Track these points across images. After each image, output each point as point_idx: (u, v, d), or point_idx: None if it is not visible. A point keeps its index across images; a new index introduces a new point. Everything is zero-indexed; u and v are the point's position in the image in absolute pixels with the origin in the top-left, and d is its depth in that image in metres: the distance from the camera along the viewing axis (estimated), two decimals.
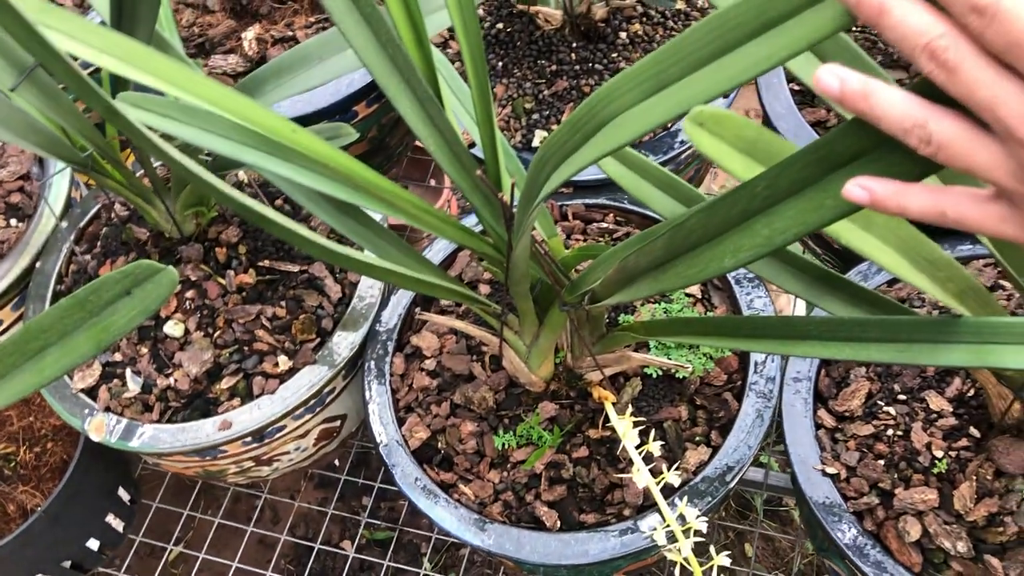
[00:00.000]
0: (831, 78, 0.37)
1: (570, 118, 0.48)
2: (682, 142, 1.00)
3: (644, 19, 1.04)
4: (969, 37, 0.34)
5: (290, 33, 1.12)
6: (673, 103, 0.42)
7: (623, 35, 1.02)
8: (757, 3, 0.38)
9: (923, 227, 0.47)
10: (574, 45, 1.01)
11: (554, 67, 1.01)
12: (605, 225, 0.97)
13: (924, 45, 0.34)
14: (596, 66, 1.00)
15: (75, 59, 0.54)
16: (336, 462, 1.37)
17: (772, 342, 0.61)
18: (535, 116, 1.00)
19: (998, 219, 0.38)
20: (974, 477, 0.75)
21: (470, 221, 0.95)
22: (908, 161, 0.38)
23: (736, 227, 0.46)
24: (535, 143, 0.99)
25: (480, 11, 1.07)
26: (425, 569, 1.35)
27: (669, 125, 1.00)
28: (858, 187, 0.39)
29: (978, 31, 0.33)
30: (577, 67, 1.00)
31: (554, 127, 1.00)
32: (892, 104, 0.36)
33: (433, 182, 1.49)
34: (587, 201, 0.98)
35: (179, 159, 0.54)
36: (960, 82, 0.34)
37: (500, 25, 1.05)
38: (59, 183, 1.08)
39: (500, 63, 1.03)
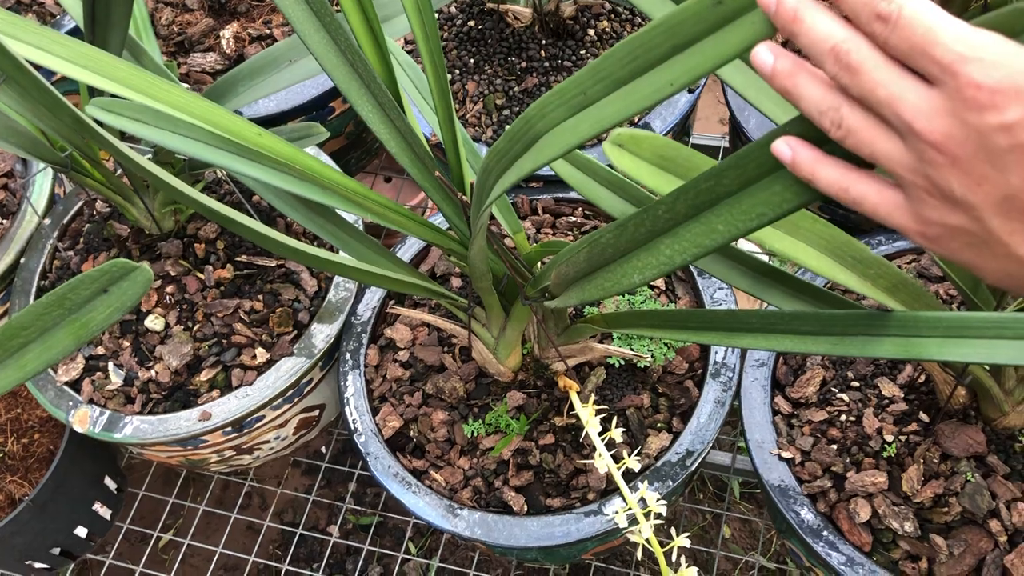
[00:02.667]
0: (766, 54, 0.39)
1: (509, 130, 0.50)
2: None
3: (612, 16, 1.06)
4: (874, 43, 0.37)
5: (267, 31, 1.15)
6: (595, 120, 0.44)
7: (591, 32, 1.05)
8: (669, 27, 0.41)
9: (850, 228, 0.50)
10: (543, 42, 1.03)
11: (524, 64, 1.03)
12: (574, 219, 1.00)
13: (830, 48, 0.37)
14: (565, 63, 1.03)
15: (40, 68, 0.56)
16: (322, 449, 1.40)
17: (718, 334, 0.63)
18: (505, 112, 1.03)
19: (893, 206, 0.41)
20: (921, 460, 0.78)
21: (440, 218, 0.97)
22: (779, 196, 0.41)
23: (643, 246, 0.49)
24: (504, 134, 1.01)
25: (452, 8, 1.10)
26: (409, 553, 1.38)
27: (637, 119, 1.03)
28: (785, 144, 0.42)
29: (882, 37, 0.36)
30: (547, 64, 1.03)
31: None
32: (813, 88, 0.39)
33: None
34: (557, 195, 1.01)
35: (146, 166, 0.57)
36: (863, 82, 0.37)
37: (472, 23, 1.07)
38: (42, 181, 1.11)
39: (471, 60, 1.06)
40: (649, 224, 0.49)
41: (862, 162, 0.41)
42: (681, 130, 1.12)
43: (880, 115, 0.38)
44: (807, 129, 0.42)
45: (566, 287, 0.63)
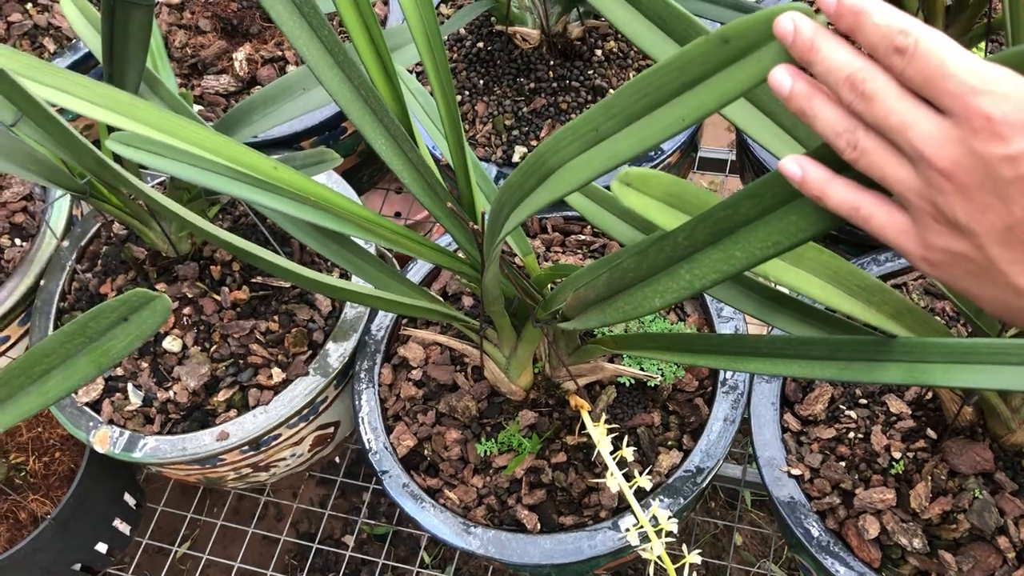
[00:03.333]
0: (784, 77, 0.40)
1: (523, 165, 0.52)
2: (658, 153, 1.04)
3: (619, 37, 1.07)
4: (891, 75, 0.38)
5: (279, 53, 1.16)
6: (608, 155, 0.46)
7: (599, 52, 1.06)
8: (678, 65, 0.42)
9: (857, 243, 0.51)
10: (551, 63, 1.05)
11: (532, 84, 1.05)
12: (583, 237, 1.01)
13: (846, 77, 0.39)
14: (573, 83, 1.04)
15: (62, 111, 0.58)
16: (336, 460, 1.42)
17: (724, 358, 0.64)
18: (515, 132, 1.04)
19: (899, 229, 0.42)
20: (929, 477, 0.79)
21: (449, 237, 0.98)
22: (794, 225, 0.42)
23: (663, 271, 0.50)
24: (515, 159, 1.03)
25: (461, 30, 1.11)
26: (424, 563, 1.39)
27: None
28: (795, 163, 0.43)
29: (899, 69, 0.38)
30: (555, 84, 1.04)
31: (534, 143, 1.04)
32: (829, 110, 0.40)
33: None
34: (566, 214, 1.02)
35: (163, 202, 0.58)
36: (877, 109, 0.38)
37: (481, 44, 1.09)
38: (61, 204, 1.13)
39: (481, 81, 1.07)
40: (669, 250, 0.50)
41: (872, 184, 0.42)
42: (689, 146, 1.14)
43: (893, 141, 0.39)
44: (818, 154, 0.43)
45: (583, 310, 0.64)
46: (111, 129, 0.71)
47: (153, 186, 1.07)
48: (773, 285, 0.60)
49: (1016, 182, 0.36)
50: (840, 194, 0.42)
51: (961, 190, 0.37)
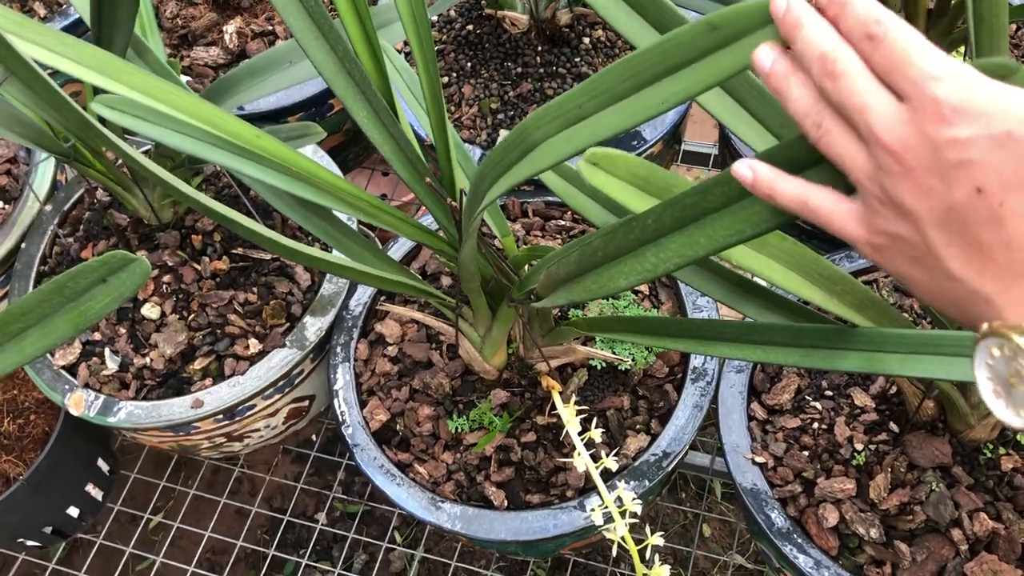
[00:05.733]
0: (767, 54, 0.42)
1: (505, 140, 0.53)
2: (639, 142, 1.05)
3: (607, 25, 1.08)
4: (861, 58, 0.40)
5: (270, 27, 1.17)
6: (590, 132, 0.47)
7: (586, 40, 1.07)
8: (665, 48, 0.43)
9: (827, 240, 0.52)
10: (539, 49, 1.06)
11: (520, 69, 1.05)
12: (563, 222, 1.02)
13: (819, 55, 0.40)
14: (560, 69, 1.05)
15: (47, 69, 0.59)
16: (312, 437, 1.43)
17: (694, 342, 0.66)
18: (500, 116, 1.05)
19: (847, 214, 0.43)
20: (889, 469, 0.81)
21: (431, 217, 0.99)
22: (758, 215, 0.44)
23: (630, 252, 0.51)
24: (499, 142, 1.04)
25: (452, 12, 1.12)
26: (394, 542, 1.41)
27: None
28: (747, 167, 0.45)
29: (868, 54, 0.39)
30: (542, 70, 1.05)
31: None
32: (802, 91, 0.42)
33: None
34: (547, 199, 1.04)
35: (147, 164, 0.59)
36: (841, 88, 0.40)
37: (470, 27, 1.09)
38: (44, 168, 1.13)
39: (469, 63, 1.08)
40: (637, 232, 0.51)
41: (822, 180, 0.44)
42: (672, 137, 1.15)
43: (852, 123, 0.40)
44: (776, 153, 0.44)
45: (555, 288, 0.65)
46: (97, 93, 0.72)
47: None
48: (735, 269, 0.61)
49: (959, 166, 0.37)
50: (789, 189, 0.44)
51: (907, 172, 0.39)
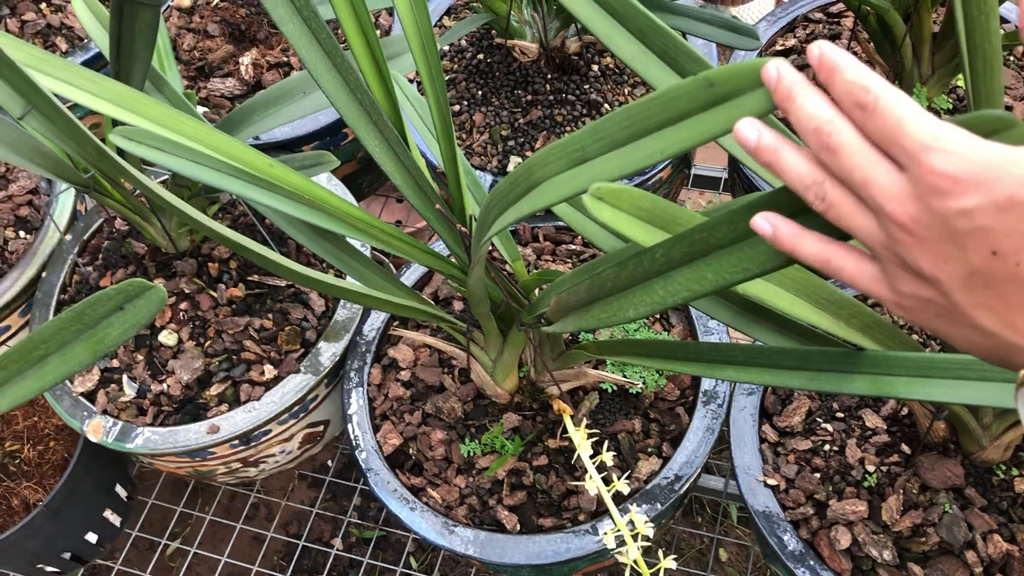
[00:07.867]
0: (750, 130, 0.42)
1: (510, 175, 0.54)
2: (649, 167, 1.06)
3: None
4: (855, 127, 0.40)
5: (285, 59, 1.19)
6: (591, 175, 0.48)
7: (595, 67, 1.08)
8: (665, 100, 0.44)
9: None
10: (549, 76, 1.07)
11: (530, 97, 1.07)
12: (574, 247, 1.03)
13: (815, 128, 0.40)
14: (569, 96, 1.07)
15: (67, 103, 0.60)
16: (328, 462, 1.44)
17: (703, 366, 0.66)
18: (511, 143, 1.06)
19: (870, 277, 0.44)
20: (901, 491, 0.81)
21: (442, 245, 1.01)
22: (764, 255, 0.44)
23: (640, 284, 0.52)
24: (510, 168, 1.05)
25: (462, 41, 1.14)
26: (410, 567, 1.41)
27: None
28: (766, 221, 0.45)
29: (860, 123, 0.39)
30: (551, 97, 1.07)
31: (528, 154, 1.06)
32: (797, 162, 0.42)
33: None
34: (558, 223, 1.05)
35: (165, 196, 0.61)
36: (841, 162, 0.40)
37: (480, 56, 1.11)
38: (65, 198, 1.15)
39: (479, 92, 1.10)
40: (647, 265, 0.52)
41: (840, 233, 0.44)
42: (682, 161, 1.16)
43: (857, 195, 0.41)
44: (788, 199, 0.45)
45: (564, 314, 0.66)
46: (115, 124, 0.74)
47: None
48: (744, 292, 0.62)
49: (971, 233, 0.37)
50: (811, 248, 0.44)
51: (921, 242, 0.39)
